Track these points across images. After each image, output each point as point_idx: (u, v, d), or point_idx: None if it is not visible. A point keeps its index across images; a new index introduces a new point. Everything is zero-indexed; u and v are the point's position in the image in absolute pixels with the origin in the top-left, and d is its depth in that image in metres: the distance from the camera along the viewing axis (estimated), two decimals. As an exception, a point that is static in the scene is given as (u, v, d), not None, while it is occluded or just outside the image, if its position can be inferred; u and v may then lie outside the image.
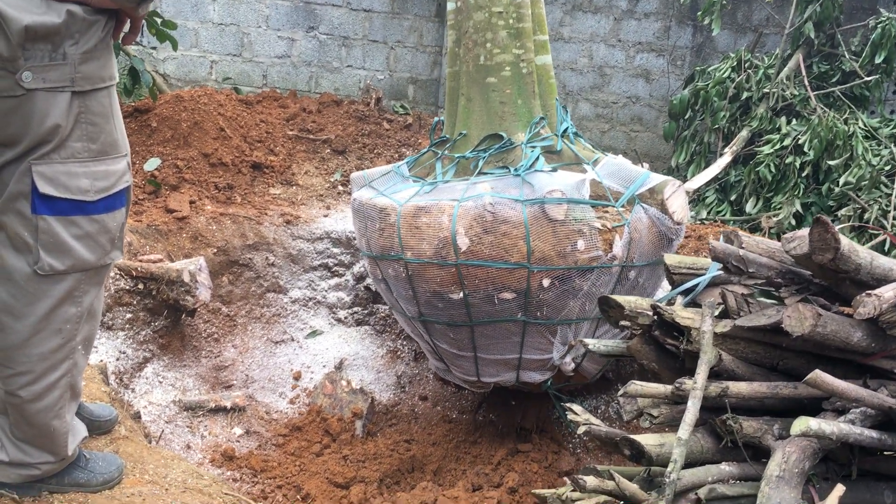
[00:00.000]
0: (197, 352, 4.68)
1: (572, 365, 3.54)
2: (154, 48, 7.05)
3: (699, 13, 6.69)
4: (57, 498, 2.14)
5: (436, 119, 3.96)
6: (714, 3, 6.41)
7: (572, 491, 2.13)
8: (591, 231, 3.14)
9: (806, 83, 6.30)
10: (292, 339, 5.07)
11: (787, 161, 5.93)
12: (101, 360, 3.61)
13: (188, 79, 7.21)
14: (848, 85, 6.40)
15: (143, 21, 4.70)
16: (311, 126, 6.44)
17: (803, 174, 5.85)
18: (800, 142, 5.91)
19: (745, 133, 6.31)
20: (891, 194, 5.41)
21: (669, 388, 2.17)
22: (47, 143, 1.85)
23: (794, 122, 6.20)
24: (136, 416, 3.34)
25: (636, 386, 2.21)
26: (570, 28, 7.30)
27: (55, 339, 1.99)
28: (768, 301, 2.26)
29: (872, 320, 2.11)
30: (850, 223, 5.29)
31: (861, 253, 2.13)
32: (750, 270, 2.37)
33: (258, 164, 5.81)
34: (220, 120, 5.86)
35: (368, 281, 5.31)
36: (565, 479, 2.17)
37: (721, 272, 2.44)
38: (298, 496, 3.75)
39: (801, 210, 5.73)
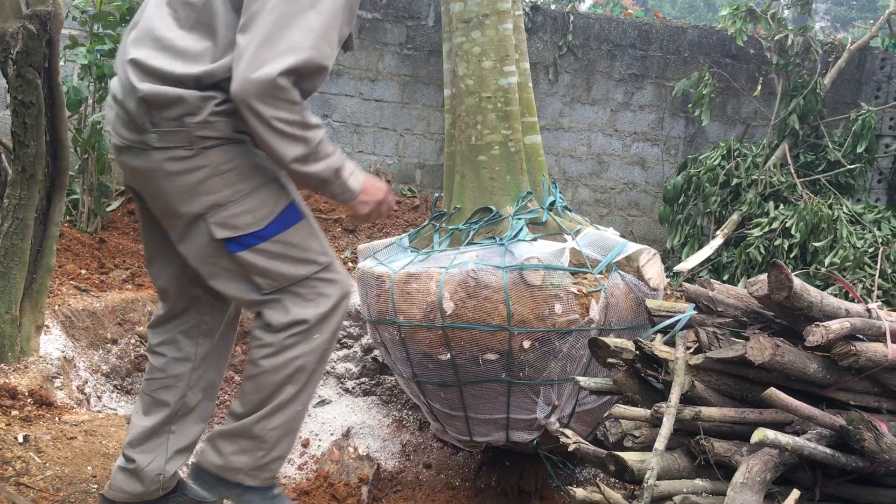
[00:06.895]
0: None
1: (557, 425, 3.75)
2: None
3: (689, 105, 7.14)
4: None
5: (436, 195, 4.31)
6: (703, 97, 6.87)
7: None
8: (567, 296, 3.40)
9: (792, 171, 6.67)
10: (301, 408, 5.29)
11: (776, 243, 6.23)
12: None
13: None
14: (832, 172, 6.77)
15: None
16: (323, 207, 6.82)
17: (791, 255, 6.14)
18: (787, 225, 6.23)
19: (735, 217, 6.64)
20: (874, 274, 5.69)
21: (649, 411, 2.44)
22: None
23: (781, 206, 6.54)
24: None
25: (619, 409, 2.50)
26: (569, 118, 7.75)
27: None
28: (737, 340, 2.53)
29: (826, 353, 2.39)
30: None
31: (812, 292, 2.40)
32: (719, 310, 2.62)
33: (273, 242, 6.15)
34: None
35: (376, 352, 5.54)
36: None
37: (696, 312, 2.69)
38: (304, 560, 3.91)
39: (789, 289, 5.98)
